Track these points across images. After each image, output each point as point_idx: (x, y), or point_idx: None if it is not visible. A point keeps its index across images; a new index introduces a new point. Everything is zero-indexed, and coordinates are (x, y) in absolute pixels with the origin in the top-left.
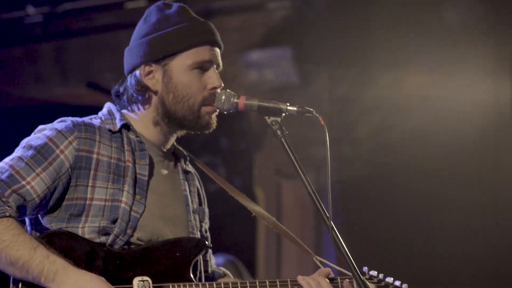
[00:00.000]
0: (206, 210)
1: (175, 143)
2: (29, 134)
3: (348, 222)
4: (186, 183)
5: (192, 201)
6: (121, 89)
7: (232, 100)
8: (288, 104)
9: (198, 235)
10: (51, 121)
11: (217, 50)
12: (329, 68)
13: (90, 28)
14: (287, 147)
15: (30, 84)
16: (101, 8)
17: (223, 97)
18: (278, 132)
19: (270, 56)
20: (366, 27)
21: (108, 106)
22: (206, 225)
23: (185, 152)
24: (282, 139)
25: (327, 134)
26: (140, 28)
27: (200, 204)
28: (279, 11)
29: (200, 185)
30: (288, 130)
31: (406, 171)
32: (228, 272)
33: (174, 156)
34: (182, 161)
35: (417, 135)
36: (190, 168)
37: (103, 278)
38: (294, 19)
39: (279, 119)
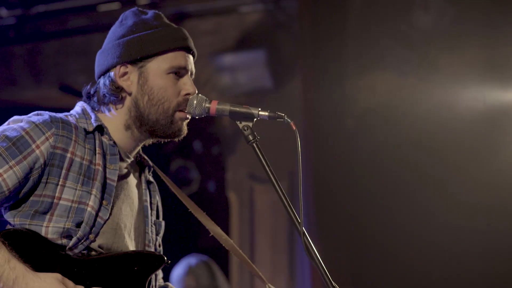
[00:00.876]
0: (163, 224)
1: (140, 151)
2: None
3: (322, 228)
4: (148, 193)
5: (151, 212)
6: (92, 91)
7: (204, 105)
8: (260, 109)
9: (152, 248)
10: None
11: (191, 57)
12: (302, 71)
13: (63, 31)
14: (258, 152)
15: (2, 86)
16: (74, 11)
17: (195, 101)
18: (250, 137)
19: (243, 59)
20: (338, 30)
21: (81, 105)
22: (160, 239)
23: (150, 162)
24: (254, 144)
25: (298, 139)
26: (116, 30)
27: (157, 216)
28: (251, 15)
29: (159, 197)
30: (261, 134)
31: (379, 175)
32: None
33: (138, 164)
34: (146, 170)
35: (390, 138)
36: (152, 178)
37: (59, 276)
38: (266, 22)
39: (250, 124)
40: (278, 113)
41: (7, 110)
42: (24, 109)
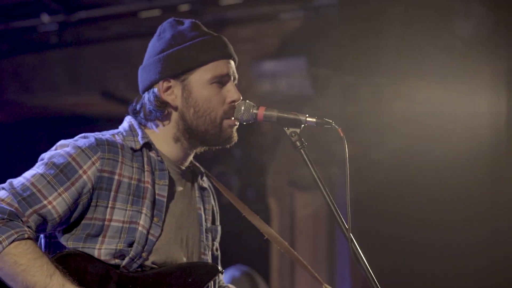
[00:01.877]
0: (219, 228)
1: (192, 159)
2: (43, 144)
3: (365, 234)
4: (201, 200)
5: (206, 219)
6: (138, 107)
7: (251, 111)
8: (307, 115)
9: (209, 255)
10: (64, 130)
11: (233, 63)
12: (341, 78)
13: (104, 37)
14: (306, 158)
15: (43, 92)
16: (116, 17)
17: (243, 107)
18: (297, 143)
19: (283, 66)
20: (378, 37)
21: (129, 120)
22: (217, 243)
23: (201, 169)
24: (302, 150)
25: (346, 145)
26: (154, 45)
27: (213, 222)
28: (291, 22)
29: (215, 202)
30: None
31: (419, 182)
32: None
33: (190, 173)
34: (199, 177)
35: (430, 146)
36: (205, 184)
37: None
38: (306, 29)
39: (298, 130)
40: (326, 119)
41: (49, 116)
42: (65, 115)
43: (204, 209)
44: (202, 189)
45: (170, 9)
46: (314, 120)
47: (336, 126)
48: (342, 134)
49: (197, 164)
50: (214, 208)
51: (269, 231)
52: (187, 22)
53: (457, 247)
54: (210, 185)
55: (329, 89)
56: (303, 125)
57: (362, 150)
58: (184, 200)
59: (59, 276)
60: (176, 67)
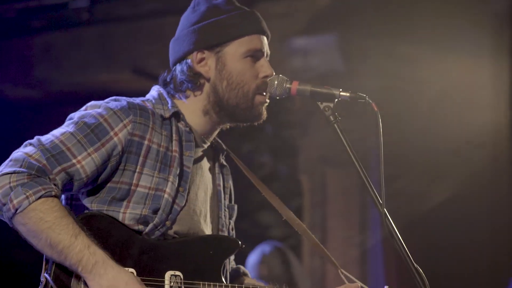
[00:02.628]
0: (235, 207)
1: (215, 136)
2: None
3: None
4: (221, 177)
5: (224, 197)
6: (168, 78)
7: (284, 85)
8: (341, 89)
9: (226, 232)
10: None
11: (266, 39)
12: (374, 55)
13: (136, 14)
14: (340, 133)
15: (75, 70)
16: None
17: (276, 82)
18: (331, 117)
19: (315, 42)
20: (410, 12)
21: (158, 89)
22: (233, 222)
23: (223, 146)
24: (335, 125)
25: (380, 120)
26: (189, 17)
27: (230, 200)
28: None
29: (231, 181)
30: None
31: (454, 160)
32: (247, 272)
33: (213, 148)
34: (220, 154)
35: (465, 121)
36: (224, 162)
37: (139, 279)
38: (338, 5)
39: (331, 105)
40: (360, 93)
41: (81, 93)
42: (97, 92)
43: (224, 186)
44: (222, 166)
45: None
46: (348, 94)
47: (370, 101)
48: (376, 109)
49: (219, 141)
50: (231, 187)
51: (287, 213)
52: None
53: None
54: (227, 165)
55: (361, 65)
56: (336, 100)
57: (394, 127)
58: (206, 174)
59: (84, 237)
60: (211, 38)
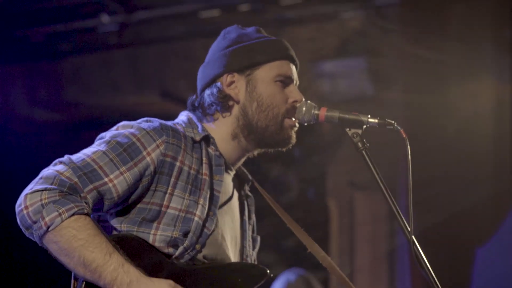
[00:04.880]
0: (258, 238)
1: (241, 166)
2: None
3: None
4: (246, 207)
5: (249, 227)
6: (197, 102)
7: (313, 111)
8: (369, 116)
9: (250, 261)
10: None
11: (294, 68)
12: (403, 78)
13: (164, 37)
14: (368, 160)
15: (104, 92)
16: (175, 17)
17: (304, 108)
18: (359, 144)
19: (343, 66)
20: (440, 36)
21: (187, 114)
22: (255, 254)
23: (249, 176)
24: (363, 152)
25: (408, 146)
26: (219, 42)
27: (253, 231)
28: (352, 21)
29: (254, 212)
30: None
31: (479, 184)
32: None
33: (238, 177)
34: (245, 183)
35: (492, 146)
36: (249, 192)
37: (171, 283)
38: (367, 29)
39: (360, 131)
40: (388, 120)
41: (109, 116)
42: (125, 115)
43: (249, 217)
44: (247, 196)
45: (229, 9)
46: (376, 121)
47: (399, 127)
48: (404, 135)
49: (245, 171)
50: (254, 218)
51: (312, 245)
52: (251, 28)
53: None
54: (251, 195)
55: (390, 89)
56: (365, 126)
57: (424, 151)
58: (233, 201)
59: (119, 255)
60: (242, 61)
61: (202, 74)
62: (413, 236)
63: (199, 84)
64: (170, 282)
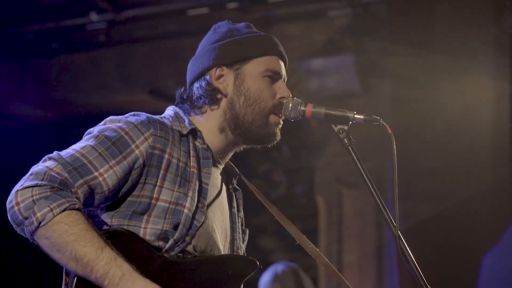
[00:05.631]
0: (247, 231)
1: (229, 161)
2: None
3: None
4: (235, 200)
5: (238, 219)
6: (185, 95)
7: (299, 108)
8: (355, 112)
9: (241, 253)
10: None
11: (283, 64)
12: (391, 76)
13: (153, 35)
14: (354, 156)
15: (93, 91)
16: (164, 15)
17: (290, 104)
18: (345, 140)
19: (331, 63)
20: (427, 34)
21: (173, 108)
22: (244, 246)
23: (236, 169)
24: (349, 147)
25: (394, 143)
26: (210, 37)
27: (242, 224)
28: (339, 19)
29: (242, 206)
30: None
31: (474, 178)
32: None
33: (226, 171)
34: (233, 177)
35: (479, 143)
36: (237, 186)
37: None
38: (355, 26)
39: (346, 127)
40: (374, 116)
41: (98, 114)
42: (114, 113)
43: (238, 210)
44: (235, 189)
45: (218, 7)
46: (362, 117)
47: (384, 123)
48: (390, 131)
49: (233, 165)
50: (242, 211)
51: (300, 237)
52: (242, 23)
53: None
54: (239, 188)
55: (378, 86)
56: (351, 122)
57: (411, 150)
58: (222, 195)
59: (110, 250)
60: (231, 55)
61: (192, 67)
62: (398, 231)
63: (188, 77)
64: None
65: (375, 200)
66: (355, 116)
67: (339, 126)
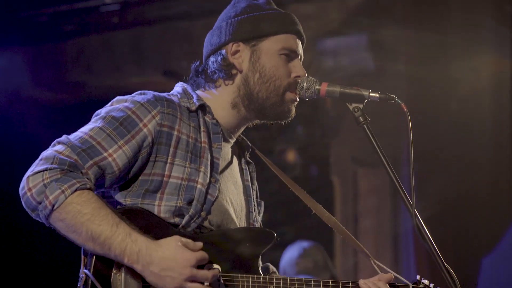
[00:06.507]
0: (262, 203)
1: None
2: None
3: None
4: (248, 173)
5: (252, 192)
6: (200, 68)
7: (314, 86)
8: (370, 90)
9: (257, 226)
10: None
11: (300, 43)
12: (405, 54)
13: (166, 17)
14: (369, 134)
15: (107, 73)
16: None
17: (305, 83)
18: (361, 118)
19: (346, 43)
20: (441, 11)
21: (182, 85)
22: (260, 218)
23: (248, 143)
24: (365, 126)
25: (409, 120)
26: (229, 11)
27: (257, 197)
28: None
29: (255, 178)
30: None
31: (487, 162)
32: (275, 270)
33: (238, 144)
34: (245, 151)
35: (495, 122)
36: (249, 159)
37: (178, 239)
38: (369, 6)
39: (361, 106)
40: (389, 94)
41: (112, 96)
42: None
43: (252, 183)
44: (247, 163)
45: None
46: (377, 95)
47: (399, 101)
48: (405, 109)
49: (245, 138)
50: (256, 184)
51: (316, 207)
52: None
53: None
54: (252, 162)
55: (392, 65)
56: (366, 100)
57: (425, 128)
58: (234, 168)
59: (125, 225)
60: (248, 32)
61: (209, 41)
62: (415, 210)
63: (205, 51)
64: (178, 238)
65: (390, 178)
66: (370, 94)
67: (354, 105)
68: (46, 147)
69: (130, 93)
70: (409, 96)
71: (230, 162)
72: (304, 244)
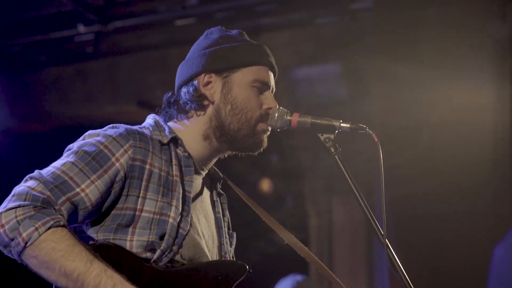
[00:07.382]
0: (235, 234)
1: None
2: None
3: (401, 241)
4: (220, 205)
5: (224, 224)
6: (173, 99)
7: (285, 117)
8: (341, 121)
9: (229, 258)
10: None
11: (272, 75)
12: (377, 83)
13: (140, 46)
14: (341, 164)
15: (81, 102)
16: (151, 26)
17: (276, 114)
18: (332, 149)
19: (319, 72)
20: (414, 42)
21: (154, 117)
22: (233, 250)
23: (220, 174)
24: (336, 156)
25: (380, 151)
26: (201, 42)
27: (229, 228)
28: (327, 27)
29: (227, 210)
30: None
31: (460, 188)
32: None
33: (210, 176)
34: (217, 182)
35: (468, 149)
36: (221, 190)
37: None
38: (342, 34)
39: (332, 136)
40: (360, 124)
41: (86, 126)
42: (102, 125)
43: (223, 215)
44: (219, 194)
45: (205, 17)
46: (348, 125)
47: (371, 131)
48: (376, 139)
49: (217, 170)
50: (228, 215)
51: (288, 237)
52: (234, 30)
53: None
54: (223, 193)
55: (365, 93)
56: (337, 131)
57: (398, 155)
58: (206, 201)
59: (99, 262)
60: (220, 63)
61: (181, 71)
62: (386, 240)
63: (177, 81)
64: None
65: (362, 209)
66: (341, 124)
67: (325, 135)
68: (20, 176)
69: (104, 123)
70: (383, 123)
71: (201, 194)
72: (297, 277)
